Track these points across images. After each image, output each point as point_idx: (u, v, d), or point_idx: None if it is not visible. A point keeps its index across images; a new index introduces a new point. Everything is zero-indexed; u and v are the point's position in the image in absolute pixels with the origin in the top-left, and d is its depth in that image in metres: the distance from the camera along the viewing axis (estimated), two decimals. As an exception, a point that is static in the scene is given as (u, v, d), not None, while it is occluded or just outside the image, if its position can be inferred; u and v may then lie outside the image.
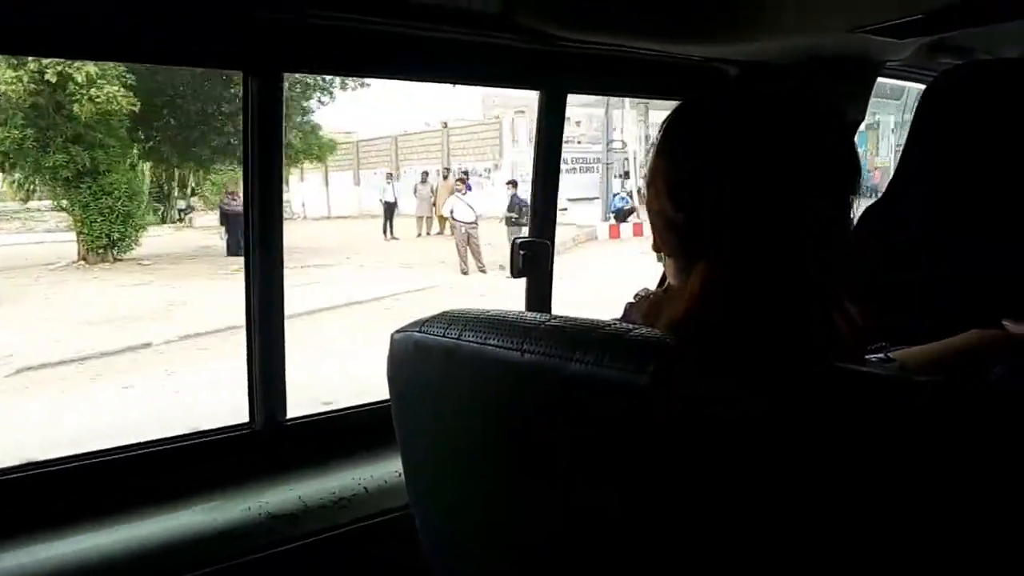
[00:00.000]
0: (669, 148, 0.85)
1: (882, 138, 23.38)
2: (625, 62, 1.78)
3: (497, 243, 12.20)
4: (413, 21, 1.45)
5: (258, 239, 1.49)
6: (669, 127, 0.85)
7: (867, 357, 0.93)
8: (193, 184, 19.46)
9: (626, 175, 27.60)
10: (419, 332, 0.90)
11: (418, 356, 0.90)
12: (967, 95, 1.16)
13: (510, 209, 13.35)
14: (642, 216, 18.26)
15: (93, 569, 1.25)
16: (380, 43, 1.48)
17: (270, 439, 1.57)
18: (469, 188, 14.30)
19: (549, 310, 1.87)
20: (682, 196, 0.82)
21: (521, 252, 1.83)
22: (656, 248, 0.89)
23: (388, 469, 1.56)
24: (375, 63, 1.54)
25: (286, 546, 1.42)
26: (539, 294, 1.88)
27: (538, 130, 1.83)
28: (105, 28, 1.24)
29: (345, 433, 1.66)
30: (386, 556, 1.49)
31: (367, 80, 12.80)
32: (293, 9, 1.36)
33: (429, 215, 18.26)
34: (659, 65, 1.84)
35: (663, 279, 2.08)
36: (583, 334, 0.74)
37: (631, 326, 0.75)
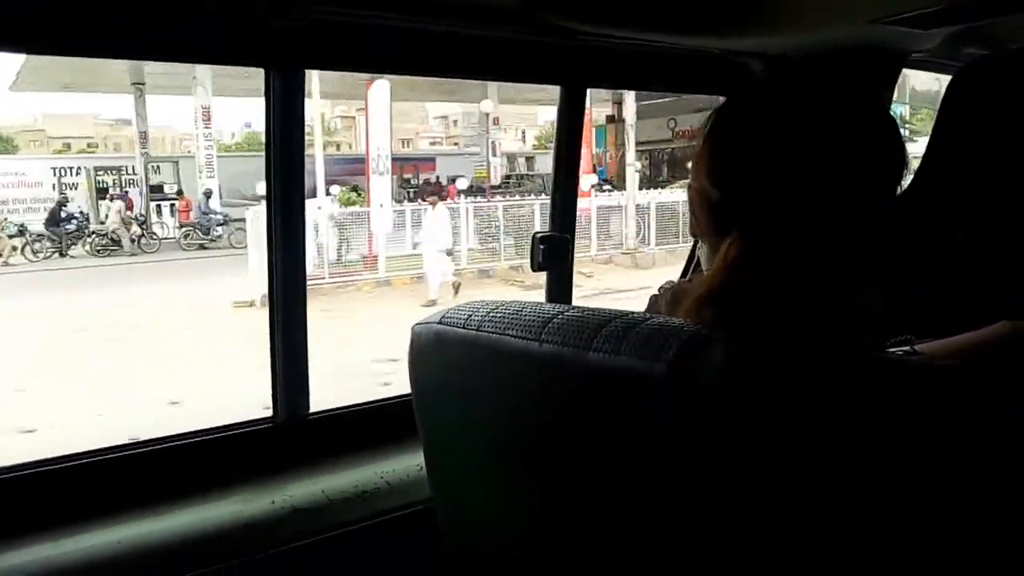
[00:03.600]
0: (713, 136, 0.87)
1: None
2: (645, 56, 1.77)
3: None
4: (432, 17, 1.46)
5: (280, 234, 1.50)
6: (715, 119, 0.88)
7: (893, 350, 0.92)
8: None
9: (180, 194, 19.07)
10: (439, 324, 0.90)
11: (438, 347, 0.91)
12: (994, 85, 1.15)
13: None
14: None
15: (121, 561, 1.27)
16: (400, 39, 1.49)
17: (293, 433, 1.58)
18: None
19: (570, 303, 1.87)
20: (719, 173, 0.85)
21: (541, 246, 1.83)
22: (692, 232, 0.92)
23: (411, 462, 1.57)
24: (395, 59, 1.55)
25: (310, 539, 1.43)
26: (560, 287, 1.89)
27: (558, 125, 1.83)
28: (126, 26, 1.26)
29: (368, 426, 1.67)
30: (409, 549, 1.50)
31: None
32: (314, 6, 1.37)
33: None
34: (680, 59, 1.83)
35: (685, 270, 2.09)
36: (601, 324, 0.74)
37: (649, 315, 0.75)
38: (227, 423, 1.55)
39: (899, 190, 0.85)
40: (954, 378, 0.68)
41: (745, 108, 0.88)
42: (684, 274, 2.09)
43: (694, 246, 1.82)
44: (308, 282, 1.60)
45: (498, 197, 18.48)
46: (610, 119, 25.65)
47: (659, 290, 0.95)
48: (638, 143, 20.64)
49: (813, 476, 0.64)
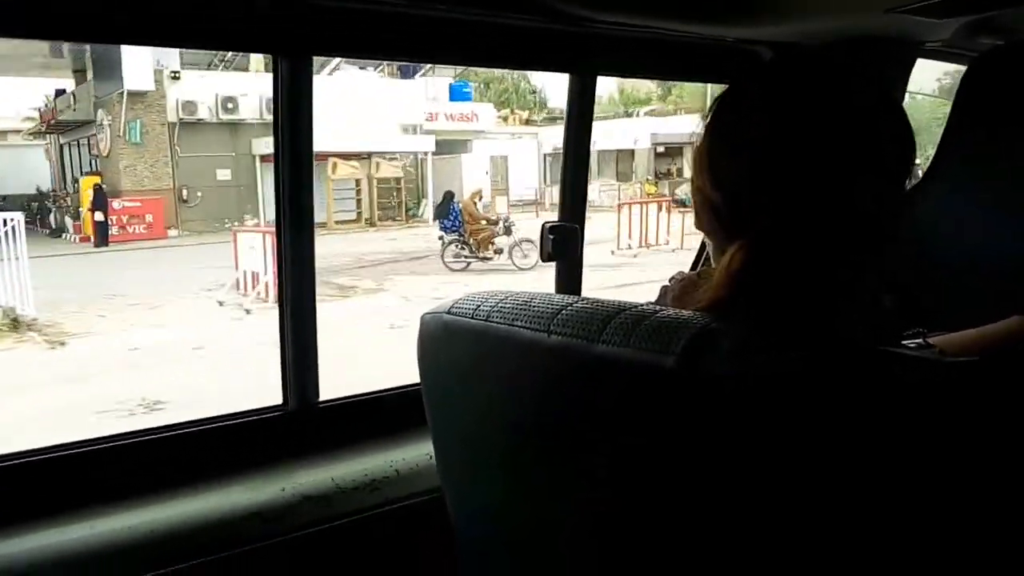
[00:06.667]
0: (714, 128, 0.86)
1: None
2: (656, 44, 1.76)
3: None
4: (442, 4, 1.45)
5: (289, 221, 1.50)
6: (716, 108, 0.87)
7: (905, 343, 0.92)
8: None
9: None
10: (448, 314, 0.90)
11: (447, 337, 0.91)
12: (1010, 75, 1.14)
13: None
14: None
15: (130, 548, 1.28)
16: (409, 26, 1.48)
17: (303, 421, 1.59)
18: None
19: (579, 293, 1.86)
20: (721, 176, 0.84)
21: (551, 236, 1.83)
22: (699, 227, 0.90)
23: (420, 452, 1.57)
24: (404, 46, 1.54)
25: (319, 527, 1.44)
26: (569, 278, 1.89)
27: (568, 114, 1.82)
28: (136, 11, 1.26)
29: (378, 415, 1.67)
30: (417, 538, 1.51)
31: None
32: None
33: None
34: (691, 47, 1.82)
35: (696, 262, 2.08)
36: (610, 315, 0.74)
37: (658, 307, 0.74)
38: (237, 411, 1.56)
39: (909, 182, 0.84)
40: (965, 372, 0.67)
41: (749, 98, 0.86)
42: (694, 266, 2.08)
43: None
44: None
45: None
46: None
47: (669, 281, 0.95)
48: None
49: (823, 469, 0.64)
